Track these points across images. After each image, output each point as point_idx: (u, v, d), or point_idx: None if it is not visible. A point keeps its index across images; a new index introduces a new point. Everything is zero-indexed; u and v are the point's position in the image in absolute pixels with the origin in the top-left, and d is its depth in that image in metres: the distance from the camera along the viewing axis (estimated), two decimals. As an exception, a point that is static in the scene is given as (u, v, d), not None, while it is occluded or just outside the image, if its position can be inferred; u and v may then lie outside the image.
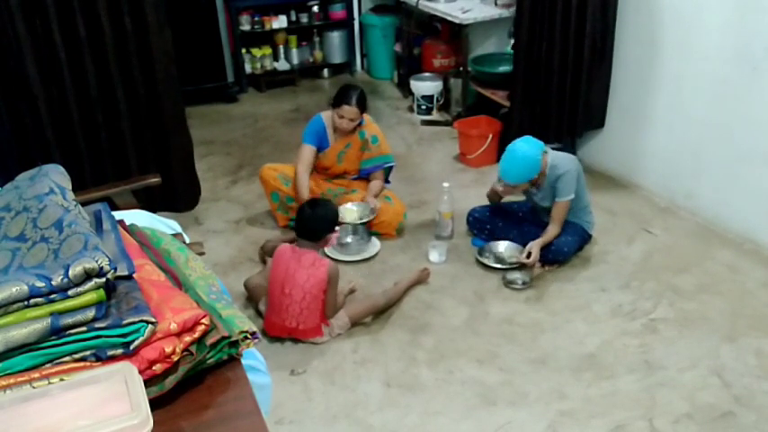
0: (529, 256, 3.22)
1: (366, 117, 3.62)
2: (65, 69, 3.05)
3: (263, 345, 2.85)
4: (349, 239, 3.53)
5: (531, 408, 2.54)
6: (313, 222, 2.90)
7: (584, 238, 3.42)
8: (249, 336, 1.24)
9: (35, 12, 2.90)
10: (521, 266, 3.32)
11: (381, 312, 3.07)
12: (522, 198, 3.59)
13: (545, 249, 3.27)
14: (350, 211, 3.54)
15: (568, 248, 3.31)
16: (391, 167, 3.76)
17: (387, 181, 3.76)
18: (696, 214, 3.73)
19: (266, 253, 3.38)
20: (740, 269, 3.30)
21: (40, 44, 2.96)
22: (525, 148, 3.20)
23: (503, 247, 3.45)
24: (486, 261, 3.38)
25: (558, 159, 3.25)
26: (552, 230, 3.29)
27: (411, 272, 3.27)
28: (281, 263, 2.86)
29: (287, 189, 3.61)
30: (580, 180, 3.29)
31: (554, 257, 3.29)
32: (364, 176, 3.71)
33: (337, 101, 3.52)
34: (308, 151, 3.58)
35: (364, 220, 3.48)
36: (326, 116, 3.60)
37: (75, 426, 0.98)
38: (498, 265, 3.35)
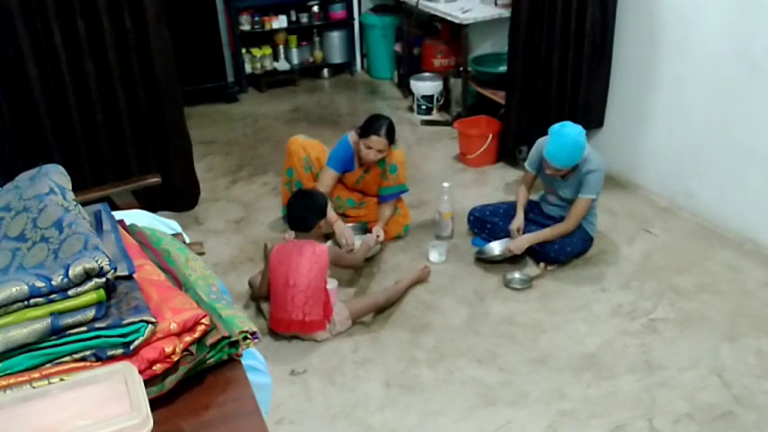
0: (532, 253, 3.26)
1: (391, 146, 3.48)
2: (65, 69, 3.05)
3: (263, 345, 2.85)
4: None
5: (531, 408, 2.54)
6: (302, 212, 2.98)
7: (587, 241, 3.42)
8: (249, 336, 1.24)
9: (35, 11, 2.90)
10: (518, 258, 3.32)
11: (382, 311, 3.07)
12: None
13: (548, 247, 3.27)
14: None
15: (571, 249, 3.31)
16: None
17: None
18: (696, 214, 3.73)
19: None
20: (740, 269, 3.30)
21: (40, 44, 2.96)
22: (573, 132, 3.12)
23: (498, 249, 3.44)
24: (485, 258, 3.37)
25: (592, 154, 3.23)
26: (564, 227, 3.28)
27: (412, 271, 3.28)
28: (283, 256, 2.88)
29: (303, 173, 3.56)
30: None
31: (556, 256, 3.29)
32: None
33: (366, 130, 3.38)
34: (330, 177, 3.48)
35: (370, 254, 3.42)
36: (353, 140, 3.46)
37: (75, 426, 0.98)
38: (497, 257, 3.35)
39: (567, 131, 3.12)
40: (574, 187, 3.28)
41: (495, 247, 3.39)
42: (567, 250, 3.30)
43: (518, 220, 3.41)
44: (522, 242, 3.30)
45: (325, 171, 3.50)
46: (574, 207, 3.26)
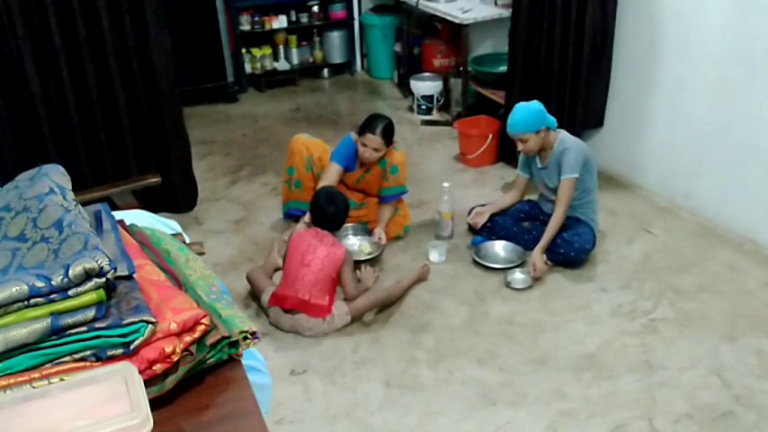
0: (535, 268, 3.25)
1: (391, 147, 3.49)
2: (64, 69, 3.05)
3: (263, 345, 2.85)
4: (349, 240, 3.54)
5: (531, 408, 2.54)
6: (338, 214, 3.08)
7: (594, 238, 3.39)
8: (249, 336, 1.24)
9: (35, 11, 2.91)
10: (519, 265, 3.33)
11: (382, 310, 3.07)
12: (522, 198, 3.60)
13: (563, 249, 3.27)
14: (363, 247, 3.52)
15: (589, 245, 3.31)
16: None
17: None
18: (696, 214, 3.73)
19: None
20: (740, 269, 3.30)
21: (40, 44, 2.96)
22: (525, 102, 3.30)
23: (499, 246, 3.45)
24: (482, 262, 3.37)
25: (568, 138, 3.31)
26: (556, 215, 3.27)
27: (412, 270, 3.28)
28: (303, 241, 2.98)
29: (304, 173, 3.56)
30: (588, 166, 3.28)
31: (576, 255, 3.27)
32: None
33: (362, 129, 3.40)
34: (335, 171, 3.48)
35: (371, 256, 3.44)
36: (355, 139, 3.47)
37: (75, 426, 0.98)
38: (495, 265, 3.35)
39: (519, 104, 3.31)
40: (555, 172, 3.30)
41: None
42: (586, 248, 3.29)
43: (482, 209, 3.54)
44: (538, 260, 3.25)
45: (329, 166, 3.50)
46: (559, 191, 3.27)
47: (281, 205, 3.77)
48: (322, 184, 3.45)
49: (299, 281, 2.91)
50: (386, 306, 3.10)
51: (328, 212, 3.05)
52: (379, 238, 3.45)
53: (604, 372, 2.71)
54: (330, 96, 5.82)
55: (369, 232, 3.54)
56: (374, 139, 3.36)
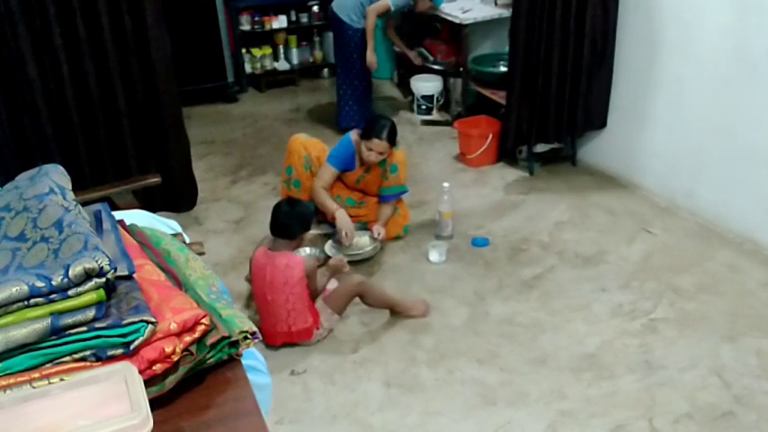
0: None
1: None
2: (64, 69, 3.05)
3: (262, 345, 2.85)
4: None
5: (531, 408, 2.54)
6: (290, 220, 2.84)
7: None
8: (249, 336, 1.24)
9: (35, 11, 2.90)
10: None
11: (377, 309, 3.03)
12: None
13: None
14: (362, 242, 3.50)
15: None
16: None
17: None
18: (696, 214, 3.73)
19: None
20: (740, 269, 3.30)
21: (40, 44, 2.96)
22: None
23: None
24: None
25: None
26: None
27: (416, 301, 3.09)
28: (259, 270, 2.83)
29: (303, 172, 3.56)
30: None
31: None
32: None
33: (367, 133, 3.39)
34: (330, 173, 3.48)
35: (368, 255, 3.44)
36: (355, 139, 3.48)
37: (75, 426, 0.98)
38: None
39: None
40: None
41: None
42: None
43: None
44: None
45: (324, 167, 3.50)
46: None
47: None
48: (317, 184, 3.47)
49: (272, 316, 2.82)
50: (370, 304, 2.99)
51: (279, 215, 2.86)
52: (378, 234, 3.45)
53: (604, 372, 2.71)
54: (330, 96, 5.81)
55: (368, 231, 3.54)
56: (381, 144, 3.36)
